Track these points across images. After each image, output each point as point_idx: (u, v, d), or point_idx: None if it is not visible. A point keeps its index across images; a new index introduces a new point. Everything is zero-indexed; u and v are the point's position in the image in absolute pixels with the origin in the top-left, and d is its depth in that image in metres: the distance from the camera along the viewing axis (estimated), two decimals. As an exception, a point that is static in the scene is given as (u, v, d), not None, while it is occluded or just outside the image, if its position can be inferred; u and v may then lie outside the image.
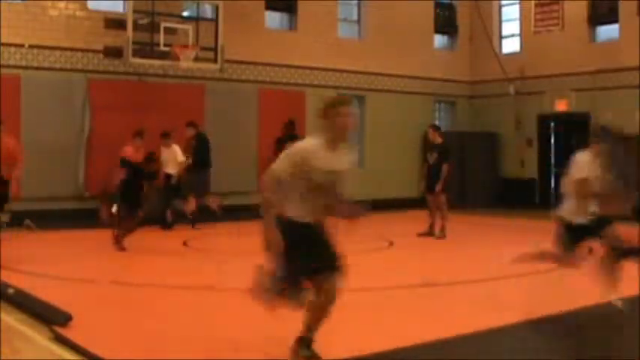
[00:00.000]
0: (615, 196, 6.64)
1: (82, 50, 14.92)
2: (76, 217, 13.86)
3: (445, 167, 12.60)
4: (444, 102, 21.02)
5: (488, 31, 20.18)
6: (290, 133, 14.28)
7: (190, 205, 13.69)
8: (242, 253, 11.00)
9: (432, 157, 12.79)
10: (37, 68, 14.46)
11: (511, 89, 19.74)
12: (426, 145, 13.26)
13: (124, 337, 5.82)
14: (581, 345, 5.77)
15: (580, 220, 6.68)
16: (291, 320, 6.60)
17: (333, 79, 18.52)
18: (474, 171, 19.37)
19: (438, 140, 12.96)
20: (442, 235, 12.63)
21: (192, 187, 13.79)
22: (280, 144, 12.77)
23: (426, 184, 12.84)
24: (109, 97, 14.79)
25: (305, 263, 4.99)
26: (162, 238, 12.42)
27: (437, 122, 20.38)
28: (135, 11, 14.40)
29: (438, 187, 12.55)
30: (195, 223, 13.67)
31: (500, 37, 20.95)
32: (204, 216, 13.84)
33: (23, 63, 14.34)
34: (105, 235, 11.63)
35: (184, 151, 13.80)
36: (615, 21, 18.46)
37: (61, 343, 5.54)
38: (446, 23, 21.02)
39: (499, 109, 20.27)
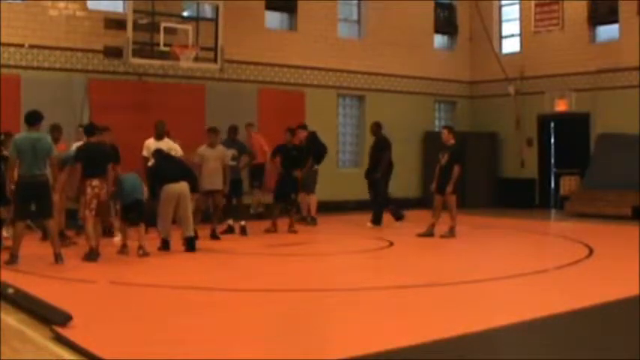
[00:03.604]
0: None
1: (82, 50, 14.91)
2: (76, 217, 13.84)
3: (456, 168, 12.57)
4: (444, 102, 21.02)
5: (488, 31, 20.18)
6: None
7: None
8: (244, 254, 11.06)
9: (444, 158, 12.73)
10: (37, 68, 14.46)
11: (511, 89, 19.74)
12: (438, 146, 13.20)
13: (124, 337, 5.82)
14: (581, 345, 5.76)
15: None
16: (290, 320, 6.63)
17: (333, 79, 18.52)
18: (473, 171, 19.35)
19: (451, 141, 12.89)
20: (451, 235, 12.59)
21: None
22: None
23: (437, 184, 12.81)
24: (109, 97, 14.78)
25: None
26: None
27: (436, 122, 20.51)
28: (135, 11, 14.40)
29: (449, 189, 12.52)
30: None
31: (500, 37, 20.95)
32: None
33: (23, 63, 14.34)
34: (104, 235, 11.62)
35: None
36: (615, 21, 18.47)
37: (61, 343, 5.54)
38: (446, 23, 21.01)
39: (499, 109, 20.27)
